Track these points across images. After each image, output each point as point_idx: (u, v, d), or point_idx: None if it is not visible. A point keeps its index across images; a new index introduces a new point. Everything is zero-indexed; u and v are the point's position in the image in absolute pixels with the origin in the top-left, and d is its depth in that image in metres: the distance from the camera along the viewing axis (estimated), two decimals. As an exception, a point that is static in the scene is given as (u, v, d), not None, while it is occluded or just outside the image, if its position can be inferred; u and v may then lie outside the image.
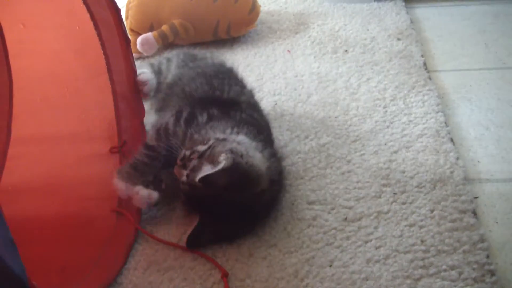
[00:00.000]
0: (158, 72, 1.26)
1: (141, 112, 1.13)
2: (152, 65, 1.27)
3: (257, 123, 1.10)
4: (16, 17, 1.06)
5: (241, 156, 0.96)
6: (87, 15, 1.02)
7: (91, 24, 1.04)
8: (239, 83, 1.22)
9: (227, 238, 1.00)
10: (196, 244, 0.98)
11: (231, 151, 0.96)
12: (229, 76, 1.23)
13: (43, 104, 1.13)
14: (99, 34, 1.05)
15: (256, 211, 1.00)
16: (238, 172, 0.94)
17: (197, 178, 0.93)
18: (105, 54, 1.07)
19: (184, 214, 1.06)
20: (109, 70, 1.09)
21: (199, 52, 1.36)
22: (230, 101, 1.14)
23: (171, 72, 1.26)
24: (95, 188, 1.11)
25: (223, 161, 0.93)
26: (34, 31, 1.10)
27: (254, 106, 1.18)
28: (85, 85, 1.14)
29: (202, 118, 1.07)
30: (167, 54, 1.37)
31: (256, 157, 0.99)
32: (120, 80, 1.09)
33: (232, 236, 1.00)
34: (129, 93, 1.08)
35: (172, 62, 1.29)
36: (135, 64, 1.06)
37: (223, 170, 0.92)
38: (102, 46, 1.07)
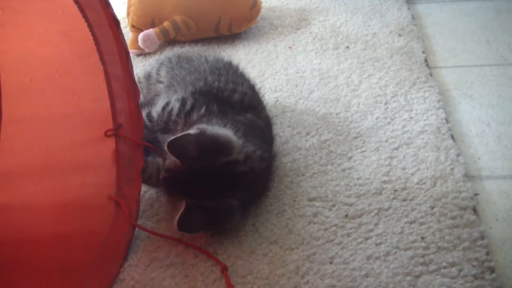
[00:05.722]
0: (148, 77, 1.31)
1: (136, 94, 1.11)
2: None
3: (254, 125, 1.11)
4: None
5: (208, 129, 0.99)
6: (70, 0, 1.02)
7: (75, 7, 1.03)
8: (237, 80, 1.22)
9: (216, 222, 0.99)
10: (187, 227, 0.97)
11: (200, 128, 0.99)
12: (227, 72, 1.23)
13: (33, 85, 1.13)
14: (85, 17, 1.05)
15: (234, 185, 0.99)
16: (205, 136, 0.96)
17: (165, 144, 0.95)
18: (94, 35, 1.07)
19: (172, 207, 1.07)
20: (99, 51, 1.09)
21: (194, 53, 1.38)
22: (224, 101, 1.15)
23: (162, 76, 1.29)
24: (92, 174, 1.12)
25: (190, 130, 0.97)
26: (14, 15, 1.09)
27: (249, 105, 1.18)
28: (75, 67, 1.13)
29: (200, 111, 1.08)
30: (159, 56, 1.39)
31: (224, 129, 1.01)
32: (112, 60, 1.09)
33: (221, 219, 0.99)
34: (122, 74, 1.08)
35: (163, 66, 1.31)
36: (127, 45, 1.06)
37: (188, 134, 0.95)
38: (90, 28, 1.07)
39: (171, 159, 1.00)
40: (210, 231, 1.02)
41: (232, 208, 0.98)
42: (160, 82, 1.28)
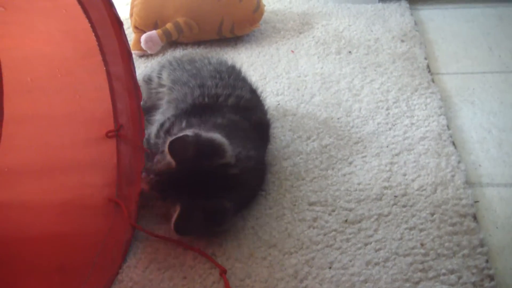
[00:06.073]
0: (148, 80, 1.31)
1: (138, 95, 1.11)
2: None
3: (235, 126, 1.11)
4: None
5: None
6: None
7: (78, 7, 1.04)
8: (236, 85, 1.21)
9: (211, 223, 0.98)
10: (184, 229, 0.97)
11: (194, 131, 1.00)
12: (228, 75, 1.23)
13: (34, 84, 1.13)
14: (88, 17, 1.05)
15: (227, 187, 0.99)
16: (202, 138, 0.97)
17: (166, 144, 0.96)
18: (96, 35, 1.07)
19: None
20: (102, 51, 1.09)
21: (197, 55, 1.39)
22: (216, 108, 1.15)
23: (164, 79, 1.29)
24: (92, 174, 1.12)
25: (186, 132, 0.98)
26: (17, 14, 1.09)
27: (243, 108, 1.17)
28: (77, 66, 1.13)
29: (181, 125, 1.09)
30: (161, 58, 1.40)
31: (215, 133, 1.01)
32: (114, 60, 1.09)
33: (216, 220, 0.98)
34: (124, 74, 1.08)
35: (165, 68, 1.31)
36: (129, 45, 1.06)
37: (187, 135, 0.96)
38: (93, 28, 1.07)
39: (163, 162, 0.99)
40: (205, 235, 1.02)
41: (226, 209, 0.98)
42: (163, 85, 1.27)
